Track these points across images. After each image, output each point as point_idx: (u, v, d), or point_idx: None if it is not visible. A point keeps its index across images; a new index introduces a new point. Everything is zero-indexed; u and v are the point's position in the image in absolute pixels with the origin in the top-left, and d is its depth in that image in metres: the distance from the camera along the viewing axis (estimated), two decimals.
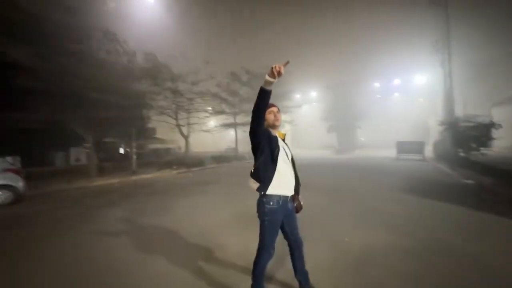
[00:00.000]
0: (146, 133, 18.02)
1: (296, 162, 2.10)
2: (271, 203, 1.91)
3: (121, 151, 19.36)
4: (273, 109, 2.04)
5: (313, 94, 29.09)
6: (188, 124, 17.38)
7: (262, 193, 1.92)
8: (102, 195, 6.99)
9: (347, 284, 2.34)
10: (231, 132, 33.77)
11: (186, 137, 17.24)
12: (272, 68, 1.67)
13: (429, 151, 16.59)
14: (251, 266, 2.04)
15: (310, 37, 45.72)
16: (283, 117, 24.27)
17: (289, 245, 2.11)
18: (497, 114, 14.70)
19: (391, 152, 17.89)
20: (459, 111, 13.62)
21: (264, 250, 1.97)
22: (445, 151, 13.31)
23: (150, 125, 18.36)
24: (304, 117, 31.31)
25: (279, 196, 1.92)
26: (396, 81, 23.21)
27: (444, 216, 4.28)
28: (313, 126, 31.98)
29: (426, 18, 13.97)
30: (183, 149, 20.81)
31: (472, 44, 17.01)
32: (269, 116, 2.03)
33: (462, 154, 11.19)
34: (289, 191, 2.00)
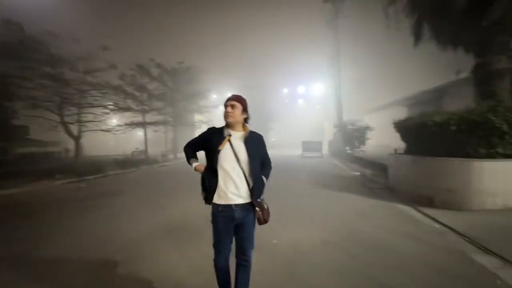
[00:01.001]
0: (10, 133, 13.25)
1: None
2: (213, 208, 1.80)
3: None
4: (228, 103, 1.81)
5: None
6: (80, 122, 13.91)
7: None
8: None
9: None
10: (139, 133, 29.83)
11: (76, 138, 13.78)
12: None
13: (325, 149, 19.85)
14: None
15: (226, 38, 46.29)
16: (200, 117, 23.43)
17: (236, 259, 1.87)
18: (367, 120, 19.17)
19: (297, 151, 20.29)
20: (345, 117, 16.85)
21: (214, 257, 1.84)
22: (337, 149, 16.22)
23: (17, 122, 13.63)
24: (222, 117, 31.40)
25: (217, 205, 1.77)
26: (301, 89, 26.79)
27: (349, 205, 4.97)
28: None
29: (324, 37, 16.72)
30: (72, 153, 16.57)
31: (352, 63, 21.91)
32: (224, 112, 1.82)
33: (349, 151, 13.87)
34: (232, 200, 1.74)
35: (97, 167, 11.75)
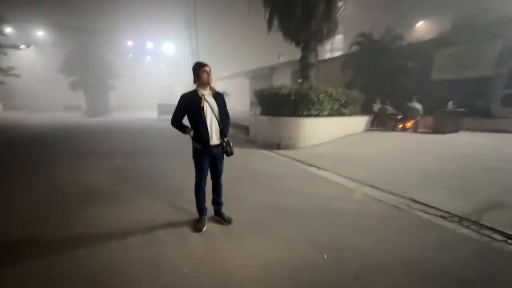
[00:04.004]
0: None
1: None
2: (198, 149, 2.46)
3: None
4: (207, 68, 2.31)
5: (40, 34, 20.63)
6: None
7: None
8: None
9: None
10: None
11: None
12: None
13: None
14: None
15: None
16: None
17: (212, 183, 2.69)
18: (219, 87, 21.46)
19: (151, 114, 19.19)
20: None
21: (196, 181, 2.59)
22: None
23: None
24: (29, 66, 21.73)
25: (204, 146, 2.43)
26: (149, 45, 23.88)
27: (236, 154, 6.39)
28: (46, 80, 23.34)
29: None
30: None
31: (209, 30, 22.59)
32: (203, 76, 2.29)
33: None
34: (213, 141, 2.44)
35: None
